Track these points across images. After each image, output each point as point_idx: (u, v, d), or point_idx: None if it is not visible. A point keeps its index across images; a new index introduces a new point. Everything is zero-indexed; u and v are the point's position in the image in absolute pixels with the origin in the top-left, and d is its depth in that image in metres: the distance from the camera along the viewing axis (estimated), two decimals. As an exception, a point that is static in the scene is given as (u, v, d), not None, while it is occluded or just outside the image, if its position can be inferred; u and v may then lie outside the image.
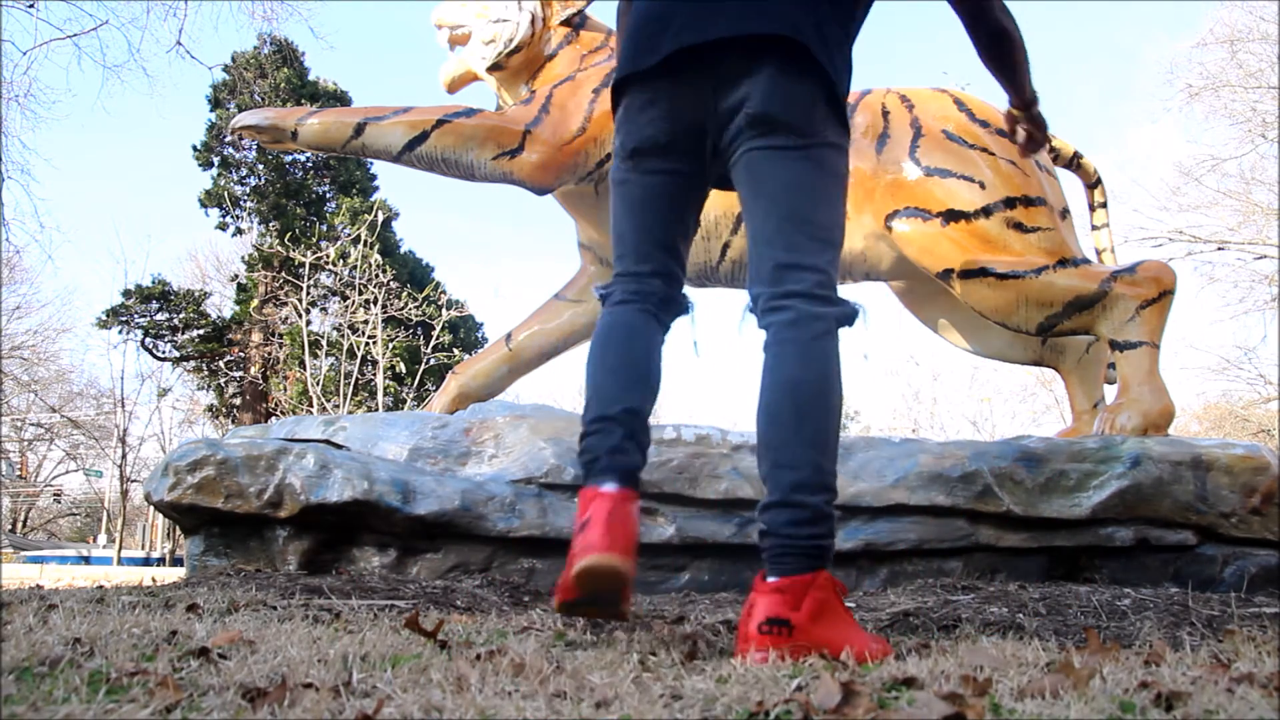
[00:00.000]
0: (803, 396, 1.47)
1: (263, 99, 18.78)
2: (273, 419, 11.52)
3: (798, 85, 1.53)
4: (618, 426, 1.54)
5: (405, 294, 13.91)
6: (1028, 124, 2.09)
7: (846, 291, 1.70)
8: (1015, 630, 1.79)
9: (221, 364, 19.52)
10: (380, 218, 14.31)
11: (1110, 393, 3.50)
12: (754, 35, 1.52)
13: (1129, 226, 15.68)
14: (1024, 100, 2.01)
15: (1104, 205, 3.65)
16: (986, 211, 3.06)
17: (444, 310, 13.88)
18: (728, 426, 2.80)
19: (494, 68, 3.49)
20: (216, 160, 19.58)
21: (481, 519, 2.63)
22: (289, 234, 16.31)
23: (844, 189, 1.61)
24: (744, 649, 1.38)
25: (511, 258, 52.52)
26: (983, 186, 3.08)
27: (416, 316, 13.67)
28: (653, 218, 1.66)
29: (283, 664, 1.20)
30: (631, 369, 1.59)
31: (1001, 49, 1.88)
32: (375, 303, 12.93)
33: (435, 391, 4.47)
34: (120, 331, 20.04)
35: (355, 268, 13.51)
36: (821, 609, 1.40)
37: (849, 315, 1.54)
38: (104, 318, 19.62)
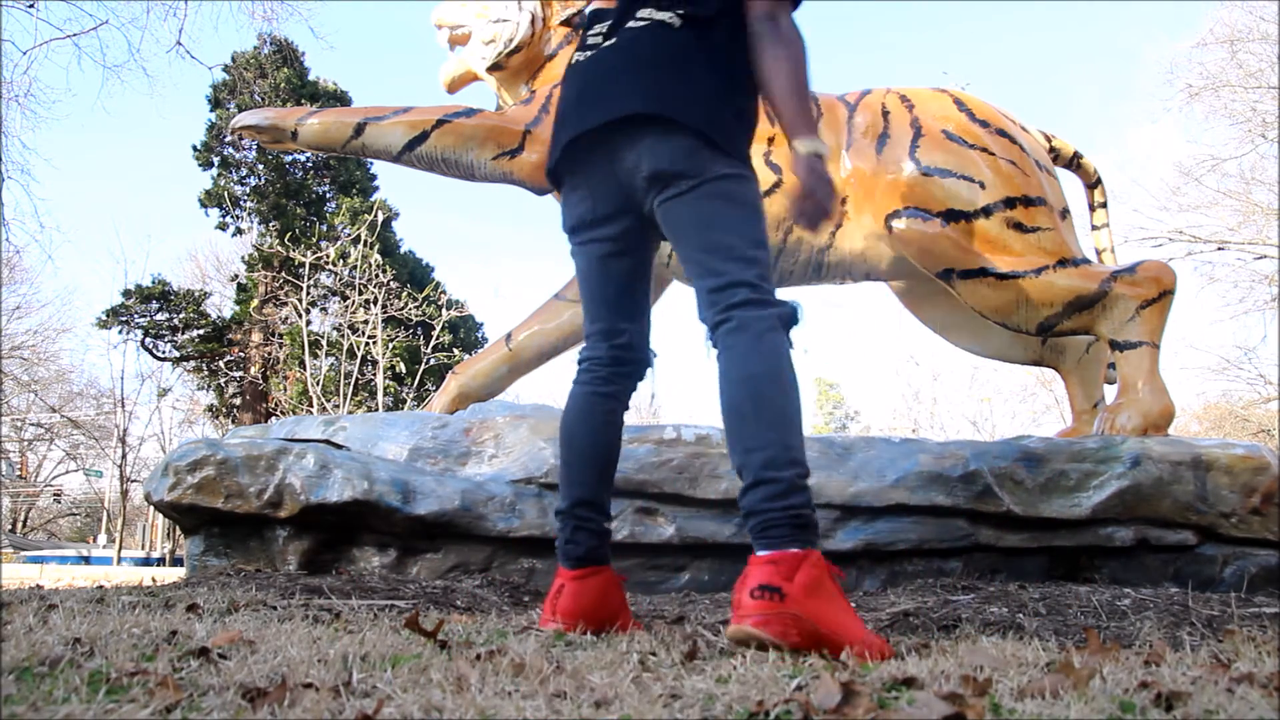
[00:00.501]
0: (758, 385, 1.59)
1: (263, 99, 18.77)
2: (273, 419, 11.51)
3: (675, 141, 1.70)
4: (569, 520, 1.80)
5: (405, 294, 13.91)
6: (798, 174, 1.70)
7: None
8: (1015, 630, 1.79)
9: (221, 364, 19.51)
10: (380, 218, 14.31)
11: (1110, 393, 3.50)
12: (624, 116, 1.73)
13: (1129, 226, 15.67)
14: (786, 133, 1.72)
15: (1104, 205, 3.65)
16: (986, 211, 3.06)
17: (444, 310, 13.88)
18: (728, 426, 2.79)
19: (494, 68, 3.49)
20: (216, 160, 19.57)
21: (481, 519, 2.63)
22: (289, 234, 16.31)
23: (750, 209, 1.73)
24: (738, 617, 1.44)
25: (511, 258, 52.50)
26: (983, 186, 3.08)
27: (416, 316, 13.67)
28: (599, 284, 1.87)
29: (283, 664, 1.20)
30: (586, 459, 1.82)
31: (761, 52, 1.73)
32: (375, 303, 12.93)
33: (435, 391, 4.47)
34: (120, 331, 20.04)
35: (355, 268, 13.51)
36: (816, 586, 1.46)
37: (788, 314, 1.65)
38: (104, 318, 19.61)
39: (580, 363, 1.90)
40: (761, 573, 1.46)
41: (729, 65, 1.78)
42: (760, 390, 1.59)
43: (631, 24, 1.81)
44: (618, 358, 1.85)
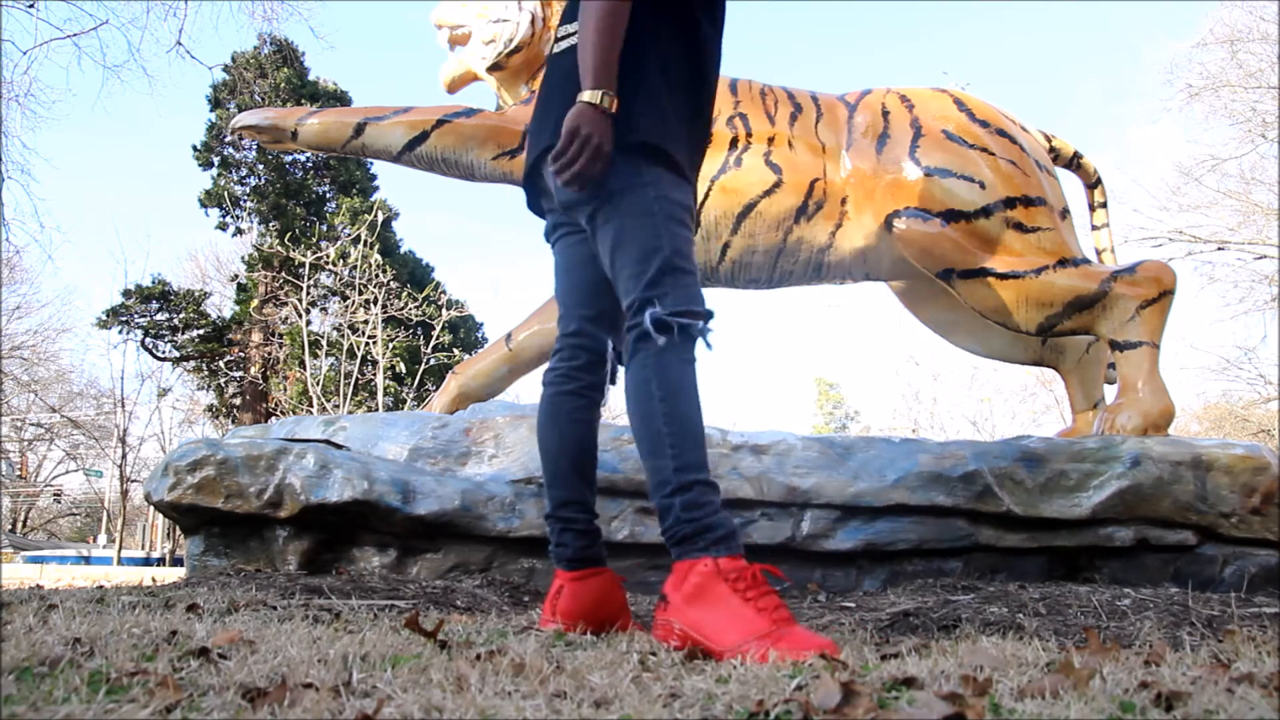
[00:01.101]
0: (632, 419, 1.66)
1: (263, 99, 18.75)
2: (273, 419, 11.51)
3: None
4: (556, 523, 1.83)
5: (405, 294, 13.90)
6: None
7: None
8: (1015, 630, 1.79)
9: (221, 364, 19.49)
10: (380, 218, 14.29)
11: (1110, 393, 3.50)
12: (541, 155, 1.81)
13: (1129, 226, 15.66)
14: (583, 85, 1.67)
15: (1104, 205, 3.65)
16: (986, 211, 3.06)
17: (444, 310, 13.86)
18: (728, 426, 2.80)
19: (494, 68, 3.49)
20: (216, 160, 19.55)
21: (481, 519, 2.63)
22: (289, 234, 16.29)
23: (641, 216, 1.69)
24: None
25: (511, 258, 52.52)
26: (983, 186, 3.08)
27: (416, 316, 13.65)
28: (562, 271, 1.91)
29: (283, 664, 1.20)
30: (559, 460, 1.85)
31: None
32: (375, 303, 12.91)
33: (435, 391, 4.47)
34: (120, 331, 20.02)
35: (355, 268, 13.49)
36: (699, 594, 1.53)
37: (645, 330, 1.64)
38: (104, 318, 19.60)
39: (550, 367, 1.92)
40: (667, 581, 1.60)
41: (636, 62, 1.74)
42: (634, 424, 1.65)
43: (558, 45, 1.85)
44: (574, 347, 1.86)
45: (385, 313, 13.18)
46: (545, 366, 1.94)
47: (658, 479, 1.61)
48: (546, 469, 1.87)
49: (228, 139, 19.08)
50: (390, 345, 13.55)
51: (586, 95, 1.65)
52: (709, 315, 1.68)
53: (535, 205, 1.98)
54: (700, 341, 1.67)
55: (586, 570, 1.79)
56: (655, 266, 1.66)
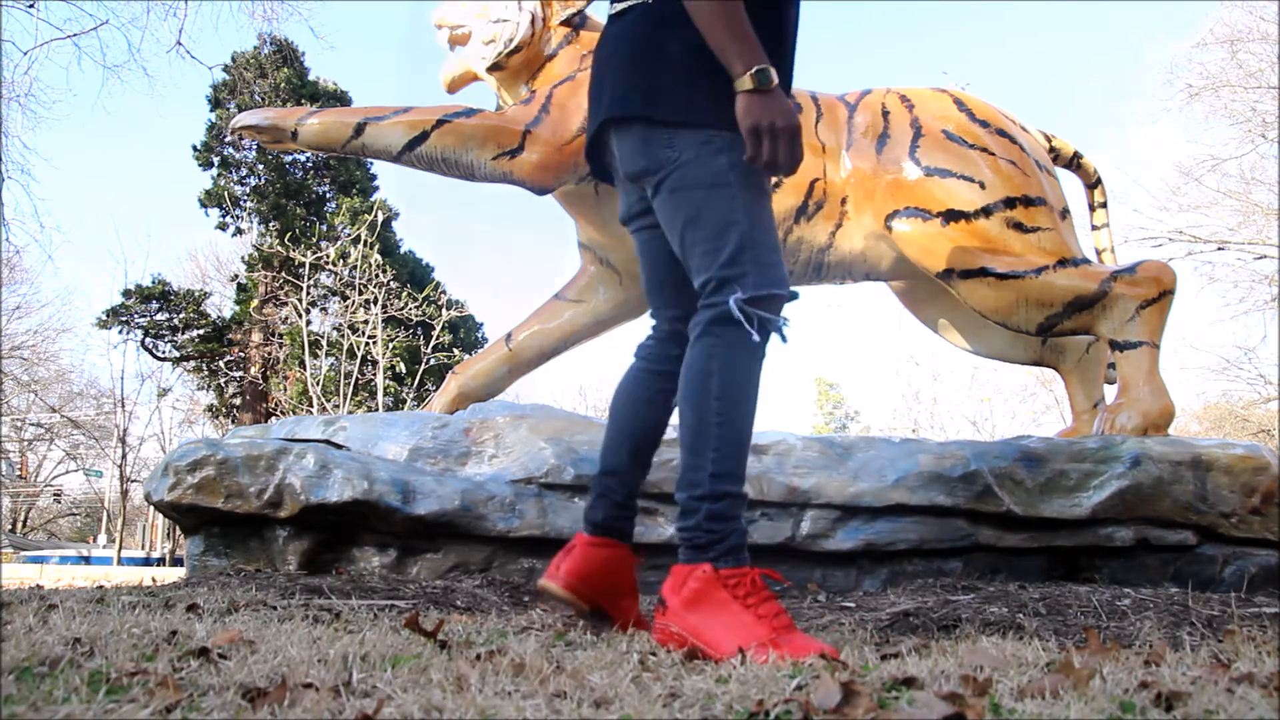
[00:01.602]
0: (681, 410, 1.64)
1: (263, 99, 18.75)
2: (273, 419, 11.51)
3: (631, 134, 1.70)
4: (596, 485, 1.83)
5: (405, 294, 13.90)
6: (740, 124, 1.60)
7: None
8: (1015, 630, 1.79)
9: (221, 364, 19.49)
10: (380, 218, 14.29)
11: (1110, 393, 3.50)
12: (601, 126, 1.75)
13: (1129, 226, 15.66)
14: (732, 74, 1.59)
15: (1104, 205, 3.64)
16: (986, 211, 3.06)
17: (444, 310, 13.87)
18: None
19: (494, 68, 3.49)
20: (216, 160, 19.55)
21: (481, 519, 2.63)
22: (289, 234, 16.29)
23: (711, 187, 1.62)
24: None
25: (511, 258, 52.52)
26: (983, 186, 3.08)
27: (416, 316, 13.66)
28: (647, 265, 1.86)
29: (283, 664, 1.20)
30: (621, 431, 1.83)
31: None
32: (375, 303, 12.92)
33: (435, 391, 4.47)
34: (120, 331, 20.03)
35: (355, 268, 13.50)
36: (698, 599, 1.53)
37: (722, 314, 1.59)
38: (104, 318, 19.60)
39: (642, 342, 1.90)
40: (665, 584, 1.60)
41: (691, 27, 1.67)
42: (682, 409, 1.63)
43: (616, 7, 1.78)
44: (675, 333, 1.82)
45: (385, 313, 13.19)
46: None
47: (690, 476, 1.59)
48: (608, 434, 1.84)
49: (228, 139, 19.08)
50: (390, 345, 13.56)
51: (747, 83, 1.55)
52: (793, 296, 1.62)
53: (604, 175, 1.91)
54: (775, 335, 1.62)
55: (606, 540, 1.78)
56: (733, 242, 1.59)
